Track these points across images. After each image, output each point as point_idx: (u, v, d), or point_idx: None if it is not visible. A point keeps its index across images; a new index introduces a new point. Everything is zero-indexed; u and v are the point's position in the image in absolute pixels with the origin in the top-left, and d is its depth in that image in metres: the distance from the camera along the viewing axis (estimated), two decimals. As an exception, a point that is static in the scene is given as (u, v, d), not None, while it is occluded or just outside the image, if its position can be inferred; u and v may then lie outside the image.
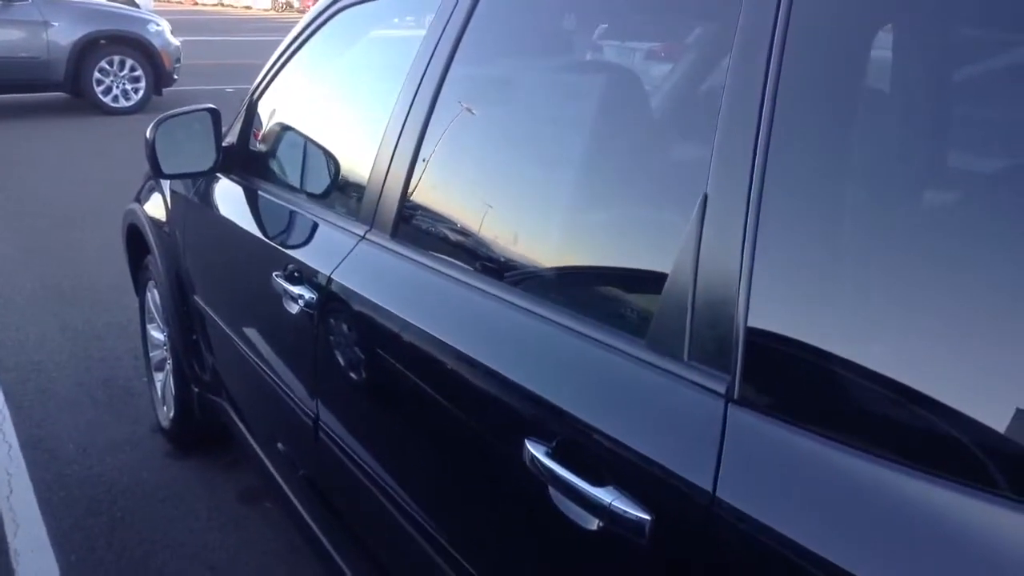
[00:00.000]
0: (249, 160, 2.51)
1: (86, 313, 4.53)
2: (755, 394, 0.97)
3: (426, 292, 1.58)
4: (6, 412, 3.51)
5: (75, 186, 7.13)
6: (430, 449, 1.54)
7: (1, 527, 2.78)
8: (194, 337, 2.91)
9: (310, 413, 1.92)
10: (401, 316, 1.57)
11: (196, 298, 2.79)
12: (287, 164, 2.32)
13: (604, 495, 1.07)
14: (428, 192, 1.71)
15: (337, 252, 1.83)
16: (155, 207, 3.13)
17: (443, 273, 1.55)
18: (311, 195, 2.16)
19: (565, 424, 1.17)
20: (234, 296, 2.48)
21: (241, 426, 2.62)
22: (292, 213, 2.15)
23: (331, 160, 2.13)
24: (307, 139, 2.25)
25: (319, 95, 2.41)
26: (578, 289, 1.37)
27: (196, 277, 2.79)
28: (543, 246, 1.47)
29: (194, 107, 2.45)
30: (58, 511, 2.87)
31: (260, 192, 2.36)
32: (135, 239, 3.38)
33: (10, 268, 5.18)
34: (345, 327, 1.75)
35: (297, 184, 2.25)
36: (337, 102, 2.35)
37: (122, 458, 3.21)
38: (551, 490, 1.16)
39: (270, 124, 2.49)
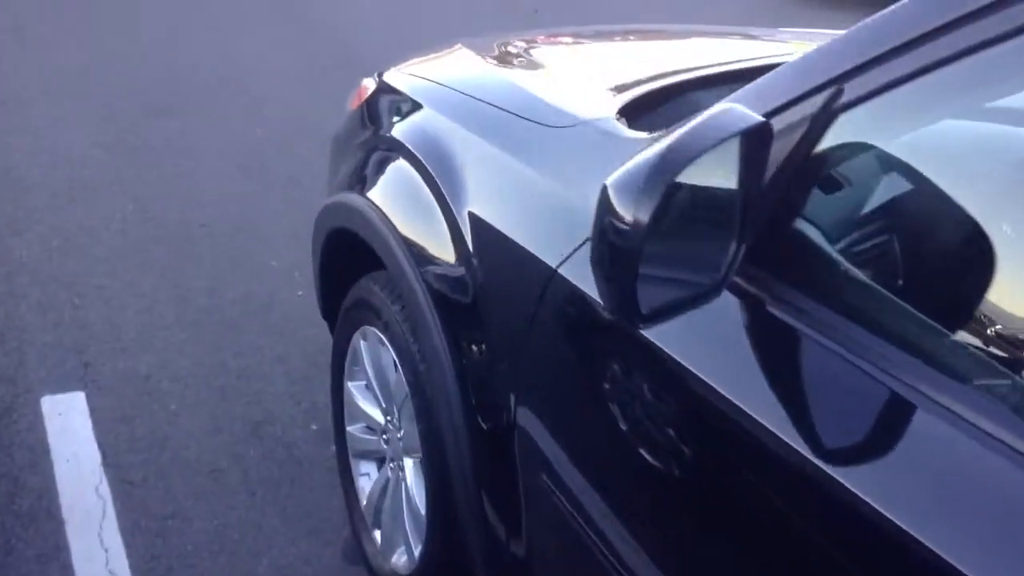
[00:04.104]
0: (820, 273, 1.03)
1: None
2: None
3: None
4: (109, 509, 2.09)
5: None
6: None
7: None
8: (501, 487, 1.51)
9: None
10: None
11: (543, 476, 1.37)
12: None
13: None
14: None
15: None
16: (414, 226, 1.67)
17: None
18: None
19: None
20: None
21: None
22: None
23: None
24: None
25: None
26: None
27: (555, 440, 1.36)
28: None
29: (712, 133, 0.95)
30: None
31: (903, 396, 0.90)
32: (339, 249, 1.93)
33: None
34: None
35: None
36: None
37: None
38: None
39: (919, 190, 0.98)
